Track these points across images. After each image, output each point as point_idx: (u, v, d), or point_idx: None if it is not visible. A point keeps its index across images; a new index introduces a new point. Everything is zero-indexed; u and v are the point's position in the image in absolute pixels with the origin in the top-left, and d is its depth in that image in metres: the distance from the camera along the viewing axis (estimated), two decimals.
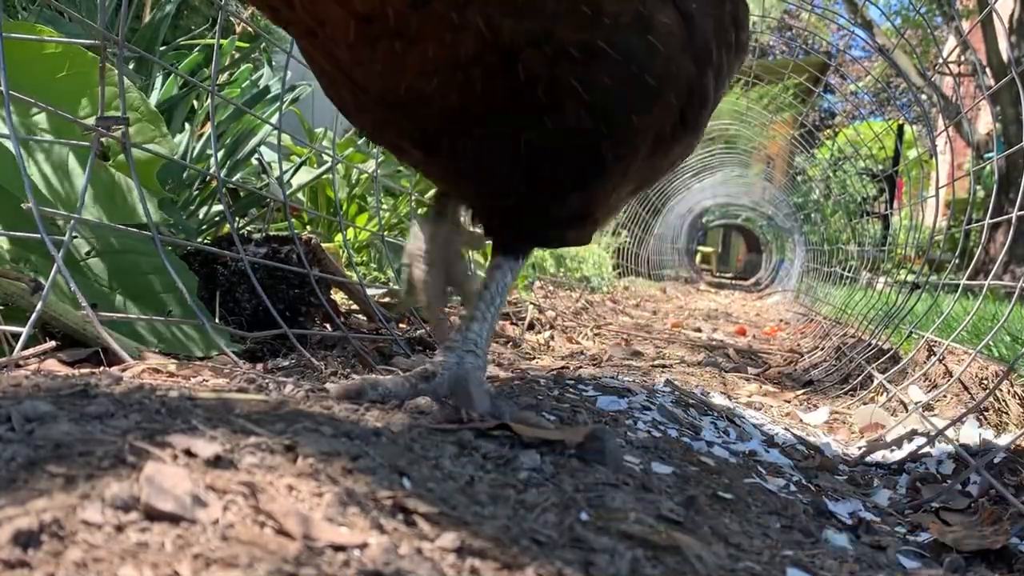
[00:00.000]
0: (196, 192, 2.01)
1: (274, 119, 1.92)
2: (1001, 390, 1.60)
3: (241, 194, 2.31)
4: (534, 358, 2.07)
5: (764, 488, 0.99)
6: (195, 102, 2.13)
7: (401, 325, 2.11)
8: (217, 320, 1.58)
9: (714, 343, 3.22)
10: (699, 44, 0.94)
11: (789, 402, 2.03)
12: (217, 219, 2.07)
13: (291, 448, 0.58)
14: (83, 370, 1.02)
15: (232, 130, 2.15)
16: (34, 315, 1.03)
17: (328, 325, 1.86)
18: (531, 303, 3.01)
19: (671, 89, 0.92)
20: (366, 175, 2.88)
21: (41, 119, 1.40)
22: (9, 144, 1.17)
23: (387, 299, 2.39)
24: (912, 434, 1.51)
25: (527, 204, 0.97)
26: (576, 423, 1.09)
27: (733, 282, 14.24)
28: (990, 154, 8.26)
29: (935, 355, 1.89)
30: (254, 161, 2.34)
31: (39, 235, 1.06)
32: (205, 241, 1.94)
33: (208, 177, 1.97)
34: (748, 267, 18.51)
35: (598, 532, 0.60)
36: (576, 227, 1.04)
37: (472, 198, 1.07)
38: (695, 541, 0.63)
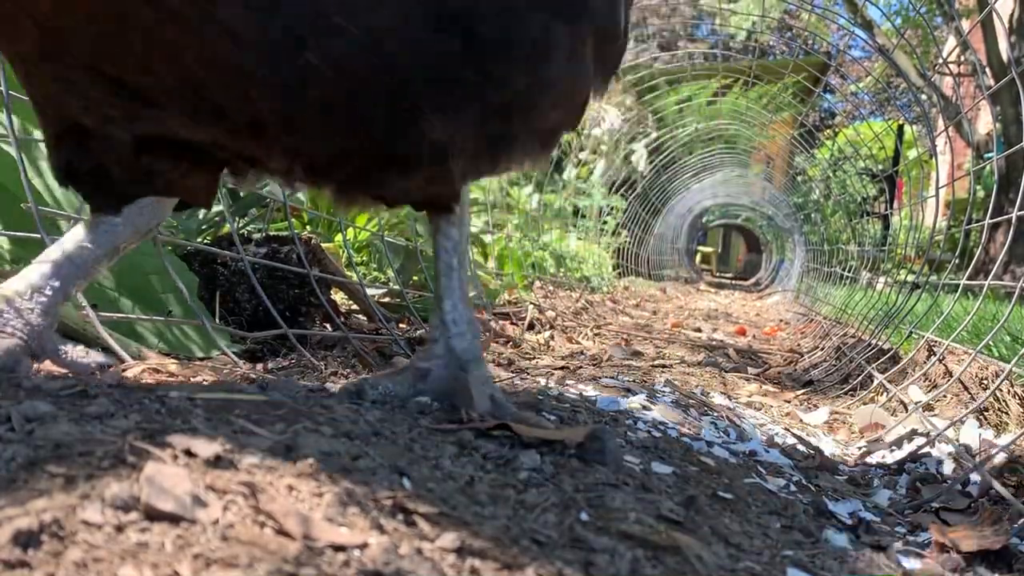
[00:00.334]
0: None
1: None
2: (1001, 390, 1.60)
3: (241, 194, 2.31)
4: (534, 358, 2.07)
5: (764, 488, 0.99)
6: None
7: (401, 325, 2.11)
8: (217, 320, 1.58)
9: (714, 343, 3.22)
10: None
11: (789, 402, 2.03)
12: (217, 219, 2.07)
13: (291, 448, 0.58)
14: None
15: None
16: None
17: (328, 325, 1.86)
18: (531, 303, 3.01)
19: None
20: None
21: None
22: (9, 145, 1.17)
23: (387, 299, 2.39)
24: (912, 434, 1.51)
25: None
26: (576, 423, 1.09)
27: (733, 282, 14.24)
28: (990, 154, 8.26)
29: (935, 355, 1.89)
30: None
31: (39, 235, 1.06)
32: (205, 241, 1.94)
33: None
34: (748, 267, 18.51)
35: (598, 532, 0.60)
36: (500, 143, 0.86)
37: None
38: (695, 541, 0.63)
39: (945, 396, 1.73)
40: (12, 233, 1.19)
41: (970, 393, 1.68)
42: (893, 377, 1.99)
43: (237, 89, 0.69)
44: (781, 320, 5.14)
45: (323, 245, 1.90)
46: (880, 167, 5.06)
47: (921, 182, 4.36)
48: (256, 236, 1.85)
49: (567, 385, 1.45)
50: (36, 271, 0.86)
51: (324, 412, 0.73)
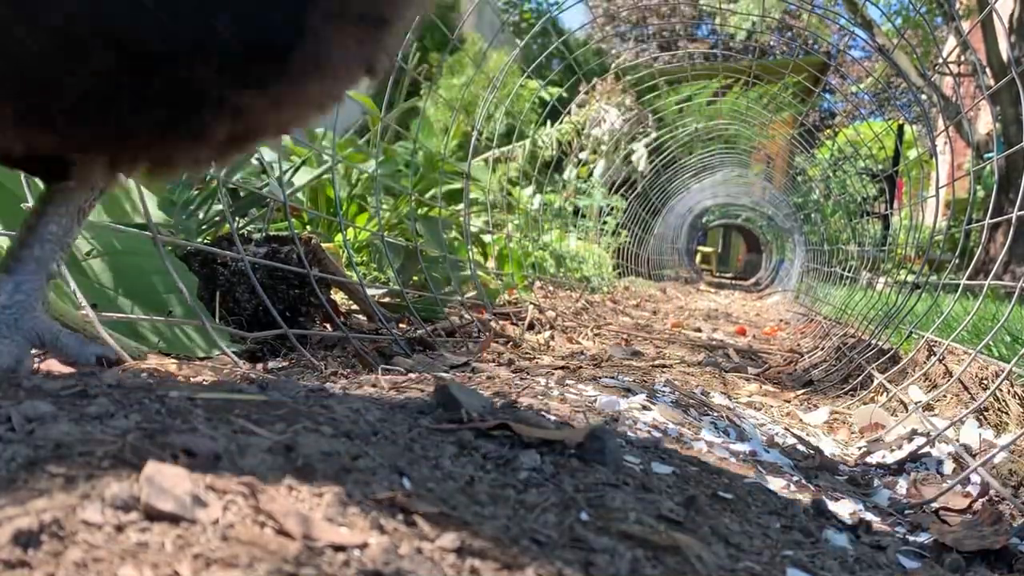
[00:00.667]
0: (196, 192, 2.01)
1: None
2: (1001, 390, 1.60)
3: (241, 194, 2.31)
4: (534, 358, 2.07)
5: (764, 488, 0.99)
6: None
7: (401, 325, 2.11)
8: (217, 320, 1.59)
9: (714, 343, 3.22)
10: None
11: (789, 402, 2.03)
12: (217, 219, 2.07)
13: (291, 448, 0.58)
14: (83, 370, 1.02)
15: None
16: None
17: (328, 325, 1.86)
18: (531, 303, 3.01)
19: None
20: (366, 175, 2.88)
21: None
22: None
23: (387, 299, 2.39)
24: (912, 434, 1.51)
25: None
26: (576, 423, 1.09)
27: (733, 282, 14.24)
28: (990, 154, 8.26)
29: (935, 355, 1.89)
30: (254, 161, 2.34)
31: None
32: (205, 241, 1.94)
33: (208, 177, 1.97)
34: (748, 267, 18.52)
35: (598, 532, 0.60)
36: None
37: None
38: (695, 541, 0.63)
39: (945, 396, 1.73)
40: (12, 233, 1.19)
41: (970, 393, 1.68)
42: (893, 377, 1.99)
43: None
44: (781, 320, 5.14)
45: (323, 245, 1.90)
46: (880, 167, 5.07)
47: (921, 182, 4.36)
48: (256, 236, 1.85)
49: (567, 385, 1.44)
50: (12, 261, 0.85)
51: (324, 412, 0.73)
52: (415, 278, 2.63)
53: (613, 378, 1.65)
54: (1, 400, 0.60)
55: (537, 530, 0.57)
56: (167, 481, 0.46)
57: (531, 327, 2.70)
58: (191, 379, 1.03)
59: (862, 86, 7.46)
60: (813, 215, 6.91)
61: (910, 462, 1.37)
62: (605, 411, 1.24)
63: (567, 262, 4.99)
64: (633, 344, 2.75)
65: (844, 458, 1.45)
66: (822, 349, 3.01)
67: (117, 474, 0.48)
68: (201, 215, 2.03)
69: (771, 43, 12.36)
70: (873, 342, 2.44)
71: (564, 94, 5.21)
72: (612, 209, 6.87)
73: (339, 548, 0.46)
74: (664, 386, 1.68)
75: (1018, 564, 0.91)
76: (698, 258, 16.44)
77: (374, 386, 1.20)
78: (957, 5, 9.11)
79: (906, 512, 1.11)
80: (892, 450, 1.46)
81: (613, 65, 6.93)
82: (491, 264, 3.90)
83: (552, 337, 2.59)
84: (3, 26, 0.64)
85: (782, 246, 11.70)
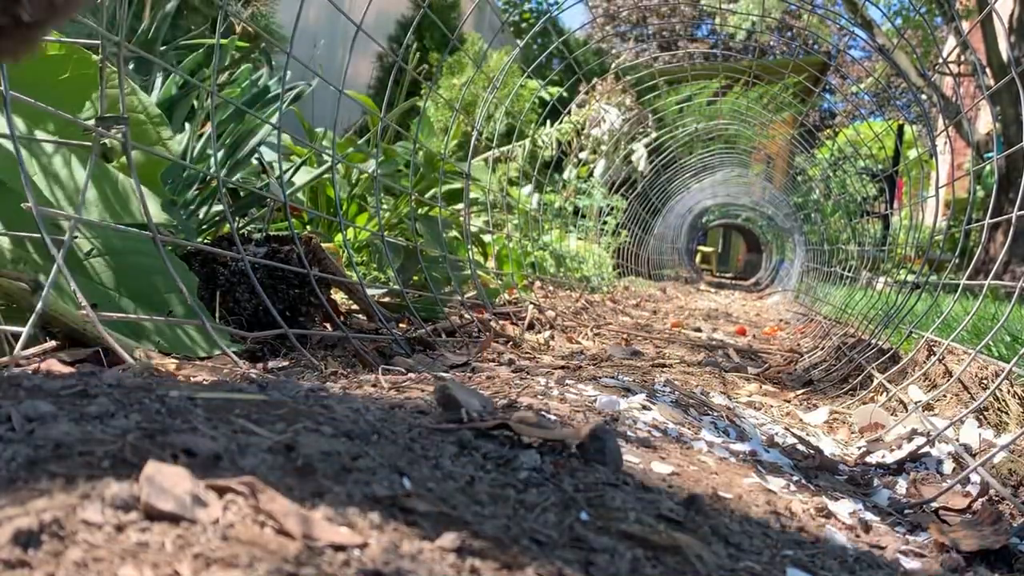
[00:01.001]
0: (196, 192, 2.01)
1: (274, 119, 1.92)
2: (1001, 390, 1.60)
3: (241, 194, 2.31)
4: (534, 358, 2.07)
5: (764, 488, 0.99)
6: (195, 102, 2.14)
7: (401, 325, 2.11)
8: (217, 320, 1.59)
9: (714, 343, 3.22)
10: None
11: (789, 402, 2.03)
12: (217, 219, 2.07)
13: (291, 448, 0.58)
14: (83, 370, 1.02)
15: (232, 130, 2.15)
16: (34, 315, 1.03)
17: (328, 325, 1.86)
18: (531, 303, 3.01)
19: None
20: (366, 175, 2.88)
21: (44, 119, 1.40)
22: (10, 144, 1.17)
23: (387, 299, 2.39)
24: (912, 434, 1.51)
25: None
26: (576, 423, 1.09)
27: (733, 282, 14.24)
28: (990, 154, 8.26)
29: (935, 355, 1.89)
30: (254, 161, 2.34)
31: (40, 235, 1.06)
32: (205, 241, 1.94)
33: (208, 177, 1.97)
34: (748, 267, 18.52)
35: (598, 532, 0.60)
36: None
37: None
38: (695, 541, 0.63)
39: (945, 396, 1.73)
40: (12, 233, 1.19)
41: (970, 393, 1.68)
42: (893, 377, 1.99)
43: None
44: (781, 320, 5.14)
45: (323, 245, 1.90)
46: (880, 167, 5.07)
47: (921, 182, 4.36)
48: (256, 236, 1.85)
49: (567, 385, 1.44)
50: None
51: (324, 412, 0.73)
52: (415, 278, 2.63)
53: (613, 378, 1.64)
54: (1, 400, 0.60)
55: (537, 530, 0.57)
56: (167, 481, 0.46)
57: (531, 327, 2.70)
58: (191, 379, 1.03)
59: (862, 86, 7.46)
60: (813, 215, 6.91)
61: (910, 462, 1.37)
62: (605, 411, 1.24)
63: (567, 262, 4.99)
64: (633, 344, 2.75)
65: (844, 458, 1.45)
66: (822, 349, 3.01)
67: (117, 474, 0.48)
68: (201, 215, 2.03)
69: (771, 43, 12.35)
70: (873, 342, 2.44)
71: (564, 94, 5.20)
72: (612, 209, 6.87)
73: (339, 548, 0.46)
74: (664, 386, 1.68)
75: (1018, 564, 0.91)
76: (698, 258, 16.44)
77: (374, 386, 1.20)
78: (957, 5, 9.11)
79: (906, 512, 1.11)
80: (892, 450, 1.45)
81: (613, 65, 6.94)
82: (491, 264, 3.90)
83: (552, 337, 2.59)
84: None
85: (782, 246, 11.70)
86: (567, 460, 0.77)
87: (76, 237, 1.36)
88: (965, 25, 8.05)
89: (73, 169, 1.39)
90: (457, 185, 3.55)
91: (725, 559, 0.64)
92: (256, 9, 4.66)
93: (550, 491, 0.66)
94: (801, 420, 1.81)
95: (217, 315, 1.61)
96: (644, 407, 1.36)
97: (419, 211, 3.01)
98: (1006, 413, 1.57)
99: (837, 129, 7.60)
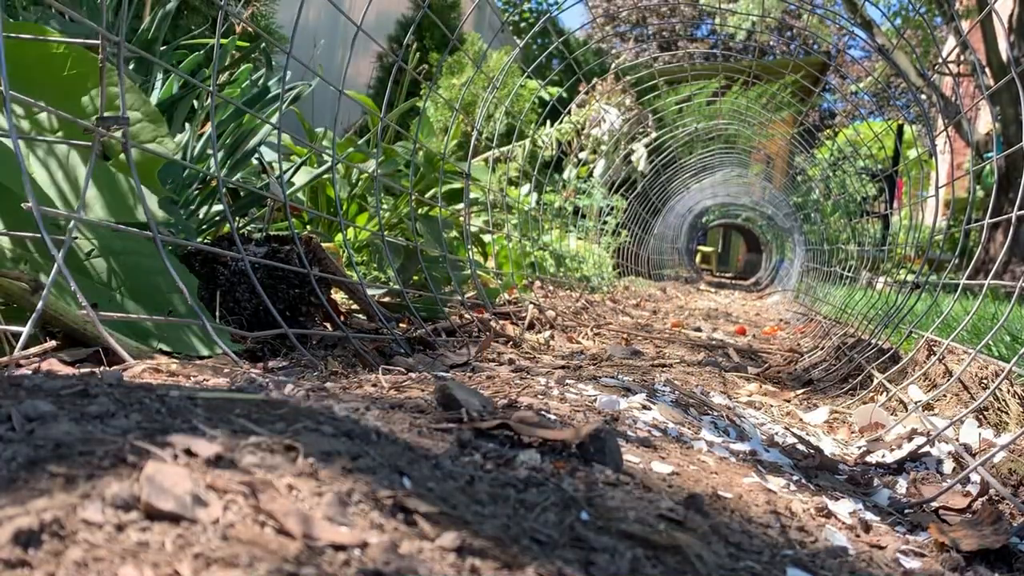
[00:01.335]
0: (196, 192, 2.01)
1: (274, 119, 1.92)
2: (1001, 390, 1.60)
3: (241, 194, 2.31)
4: (534, 358, 2.07)
5: (764, 487, 0.99)
6: (195, 102, 2.14)
7: (401, 325, 2.11)
8: (218, 320, 1.59)
9: (714, 343, 3.22)
10: None
11: (789, 402, 2.03)
12: (217, 219, 2.07)
13: (291, 448, 0.58)
14: (83, 370, 1.02)
15: (232, 130, 2.15)
16: (35, 315, 1.03)
17: (328, 325, 1.86)
18: (531, 303, 3.01)
19: None
20: (366, 175, 2.88)
21: (44, 118, 1.40)
22: (10, 144, 1.17)
23: (387, 299, 2.39)
24: (912, 433, 1.51)
25: None
26: (576, 422, 1.09)
27: (733, 282, 14.24)
28: (990, 154, 8.26)
29: (935, 355, 1.89)
30: (254, 161, 2.34)
31: (40, 235, 1.06)
32: (205, 241, 1.94)
33: (208, 177, 1.97)
34: (748, 267, 18.52)
35: (598, 531, 0.60)
36: None
37: None
38: (695, 540, 0.63)
39: (945, 396, 1.73)
40: (12, 233, 1.19)
41: (970, 393, 1.68)
42: (893, 377, 1.99)
43: None
44: (781, 320, 5.14)
45: (323, 245, 1.90)
46: (880, 167, 5.07)
47: (921, 182, 4.36)
48: (256, 236, 1.85)
49: (567, 385, 1.44)
50: None
51: (324, 412, 0.73)
52: (415, 278, 2.63)
53: (613, 378, 1.65)
54: (1, 400, 0.60)
55: (537, 529, 0.57)
56: (167, 480, 0.46)
57: (531, 327, 2.70)
58: (191, 379, 1.03)
59: (862, 86, 7.45)
60: (813, 215, 6.91)
61: (910, 461, 1.37)
62: (605, 410, 1.24)
63: (567, 262, 4.99)
64: (633, 344, 2.75)
65: (844, 457, 1.45)
66: (822, 349, 3.01)
67: (117, 473, 0.48)
68: (201, 215, 2.03)
69: (771, 43, 12.35)
70: (873, 342, 2.44)
71: (564, 94, 5.20)
72: (612, 209, 6.87)
73: (339, 548, 0.46)
74: (664, 385, 1.68)
75: (1018, 563, 0.91)
76: (698, 258, 16.45)
77: (374, 386, 1.20)
78: (957, 5, 9.11)
79: (906, 512, 1.11)
80: (892, 449, 1.46)
81: (613, 65, 6.94)
82: (491, 264, 3.90)
83: (552, 337, 2.59)
84: None
85: (782, 246, 11.70)
86: (567, 460, 0.77)
87: (76, 237, 1.36)
88: (965, 25, 8.05)
89: (73, 168, 1.39)
90: (457, 185, 3.55)
91: (725, 559, 0.64)
92: (256, 9, 4.66)
93: (550, 491, 0.66)
94: (801, 420, 1.81)
95: (217, 315, 1.61)
96: (644, 407, 1.36)
97: (419, 211, 3.01)
98: (1006, 413, 1.57)
99: (837, 129, 7.60)
